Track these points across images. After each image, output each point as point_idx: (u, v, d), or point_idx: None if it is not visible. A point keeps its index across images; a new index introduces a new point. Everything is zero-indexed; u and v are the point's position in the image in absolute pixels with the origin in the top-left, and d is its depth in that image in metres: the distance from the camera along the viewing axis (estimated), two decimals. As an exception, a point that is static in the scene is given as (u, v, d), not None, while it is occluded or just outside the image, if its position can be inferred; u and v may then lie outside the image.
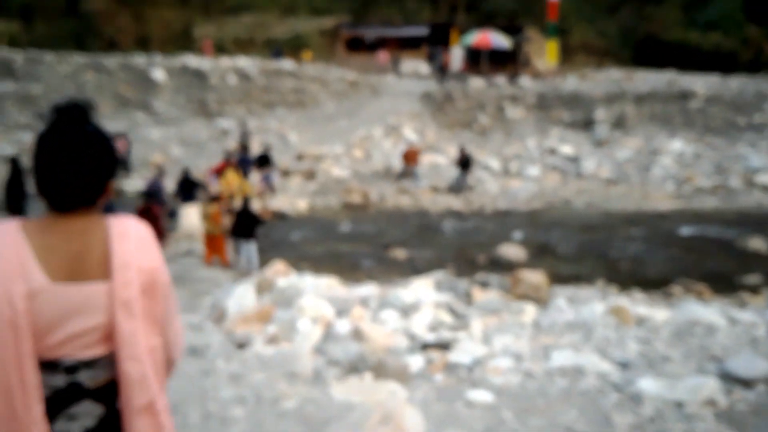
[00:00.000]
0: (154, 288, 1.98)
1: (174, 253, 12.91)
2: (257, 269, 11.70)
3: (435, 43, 36.83)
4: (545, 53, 37.30)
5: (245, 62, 30.83)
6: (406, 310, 6.89)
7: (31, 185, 12.67)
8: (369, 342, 5.83)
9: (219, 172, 16.53)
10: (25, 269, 1.80)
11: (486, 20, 39.51)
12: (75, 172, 1.88)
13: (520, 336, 6.36)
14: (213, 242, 12.47)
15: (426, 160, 24.21)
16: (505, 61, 35.17)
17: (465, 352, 5.87)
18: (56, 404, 1.87)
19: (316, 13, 44.49)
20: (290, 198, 20.41)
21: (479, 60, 34.54)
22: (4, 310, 1.75)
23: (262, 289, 8.12)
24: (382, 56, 36.56)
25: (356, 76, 31.38)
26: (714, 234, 16.92)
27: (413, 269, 13.15)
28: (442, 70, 32.78)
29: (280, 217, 18.06)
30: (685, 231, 17.25)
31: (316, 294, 7.13)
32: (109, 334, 1.89)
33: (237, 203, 13.60)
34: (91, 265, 1.88)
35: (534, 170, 23.56)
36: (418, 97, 29.45)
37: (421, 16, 44.17)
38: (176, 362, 2.16)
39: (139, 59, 30.48)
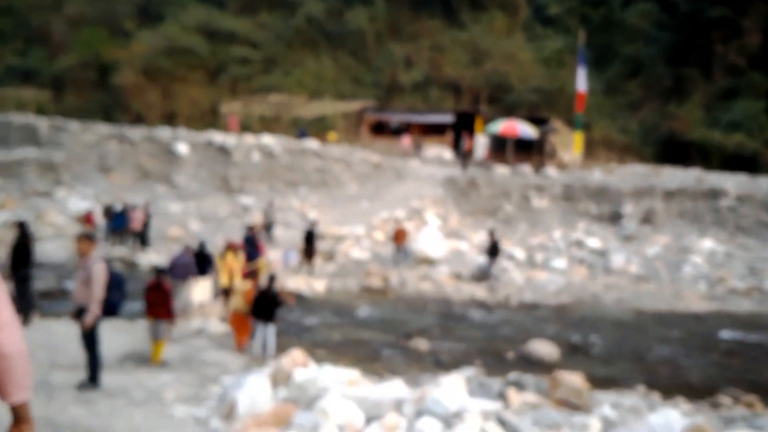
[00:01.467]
0: None
1: (184, 332, 12.13)
2: (272, 356, 10.86)
3: (460, 130, 36.72)
4: (570, 145, 37.07)
5: (270, 140, 30.73)
6: (449, 420, 6.00)
7: (36, 250, 12.09)
8: (407, 459, 4.93)
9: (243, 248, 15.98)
10: None
11: (508, 111, 39.59)
12: None
13: (589, 461, 5.47)
14: (242, 322, 11.62)
15: (448, 245, 23.56)
16: (530, 151, 34.93)
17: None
18: None
19: (342, 98, 44.92)
20: (308, 279, 19.69)
21: (504, 148, 34.31)
22: None
23: (278, 381, 7.27)
24: (406, 141, 36.46)
25: (380, 158, 31.13)
26: (755, 339, 15.91)
27: (437, 363, 12.27)
28: (465, 157, 32.50)
29: (297, 298, 17.28)
30: (725, 335, 16.26)
31: (340, 393, 6.23)
32: None
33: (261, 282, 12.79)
34: None
35: (560, 262, 22.75)
36: (441, 182, 29.03)
37: (444, 105, 44.43)
38: (19, 355, 2.26)
39: (163, 132, 30.48)
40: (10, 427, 2.33)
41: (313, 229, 20.70)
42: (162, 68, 48.20)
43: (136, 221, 21.86)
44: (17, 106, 37.94)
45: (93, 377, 7.87)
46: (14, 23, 55.47)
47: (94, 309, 7.57)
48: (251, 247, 16.82)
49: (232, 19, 51.63)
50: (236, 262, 14.60)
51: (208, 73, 49.91)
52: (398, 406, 6.16)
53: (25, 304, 11.43)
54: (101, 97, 49.77)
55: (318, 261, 21.33)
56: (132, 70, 48.30)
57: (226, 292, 14.75)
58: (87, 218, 23.67)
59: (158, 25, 50.84)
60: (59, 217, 24.02)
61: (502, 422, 5.96)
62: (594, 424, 6.19)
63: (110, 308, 7.80)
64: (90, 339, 7.76)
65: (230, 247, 14.79)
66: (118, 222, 22.20)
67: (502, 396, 8.47)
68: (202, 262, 14.72)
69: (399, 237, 21.86)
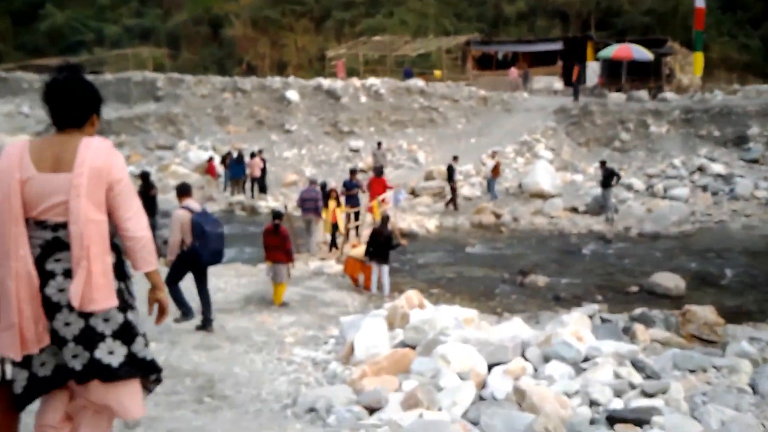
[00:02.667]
0: (100, 179, 2.84)
1: (303, 273, 12.52)
2: (388, 295, 11.07)
3: (570, 57, 35.20)
4: (688, 67, 34.87)
5: (376, 81, 30.70)
6: (578, 364, 5.81)
7: (160, 200, 12.67)
8: (537, 409, 4.78)
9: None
10: (22, 164, 2.84)
11: (620, 36, 37.55)
12: (64, 104, 2.94)
13: (741, 408, 5.15)
14: (357, 265, 11.95)
15: (562, 178, 22.98)
16: (646, 76, 33.11)
17: (671, 430, 4.61)
18: (47, 251, 2.85)
19: (445, 34, 44.03)
20: (419, 218, 19.80)
21: (618, 74, 32.72)
22: (4, 189, 2.81)
23: (394, 323, 7.35)
24: (513, 72, 35.36)
25: (486, 93, 30.47)
26: None
27: (556, 299, 12.09)
28: (577, 85, 31.15)
29: (409, 237, 17.43)
30: None
31: (459, 336, 6.17)
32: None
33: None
34: (65, 163, 2.84)
35: (682, 190, 21.71)
36: (551, 113, 28.11)
37: (552, 34, 42.67)
38: (143, 238, 3.01)
39: (274, 80, 31.05)
40: (149, 292, 3.14)
41: (453, 165, 20.82)
42: (270, 18, 49.00)
43: (254, 168, 22.59)
44: (136, 65, 39.59)
45: (204, 320, 7.98)
46: (129, -16, 57.56)
47: (168, 253, 7.85)
48: (353, 189, 16.85)
49: (334, -36, 51.41)
50: (339, 209, 14.86)
51: (314, 20, 50.22)
52: (522, 349, 6.02)
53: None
54: (214, 51, 51.23)
55: (426, 199, 21.48)
56: (241, 22, 49.33)
57: (332, 238, 15.08)
58: (208, 168, 24.64)
59: (264, -25, 51.37)
60: (181, 168, 25.14)
61: (638, 366, 5.69)
62: (744, 367, 5.79)
63: (192, 256, 7.68)
64: (167, 284, 7.26)
65: (331, 194, 14.99)
66: (236, 170, 23.00)
67: (628, 333, 8.20)
68: (325, 201, 15.05)
69: (495, 168, 21.74)
